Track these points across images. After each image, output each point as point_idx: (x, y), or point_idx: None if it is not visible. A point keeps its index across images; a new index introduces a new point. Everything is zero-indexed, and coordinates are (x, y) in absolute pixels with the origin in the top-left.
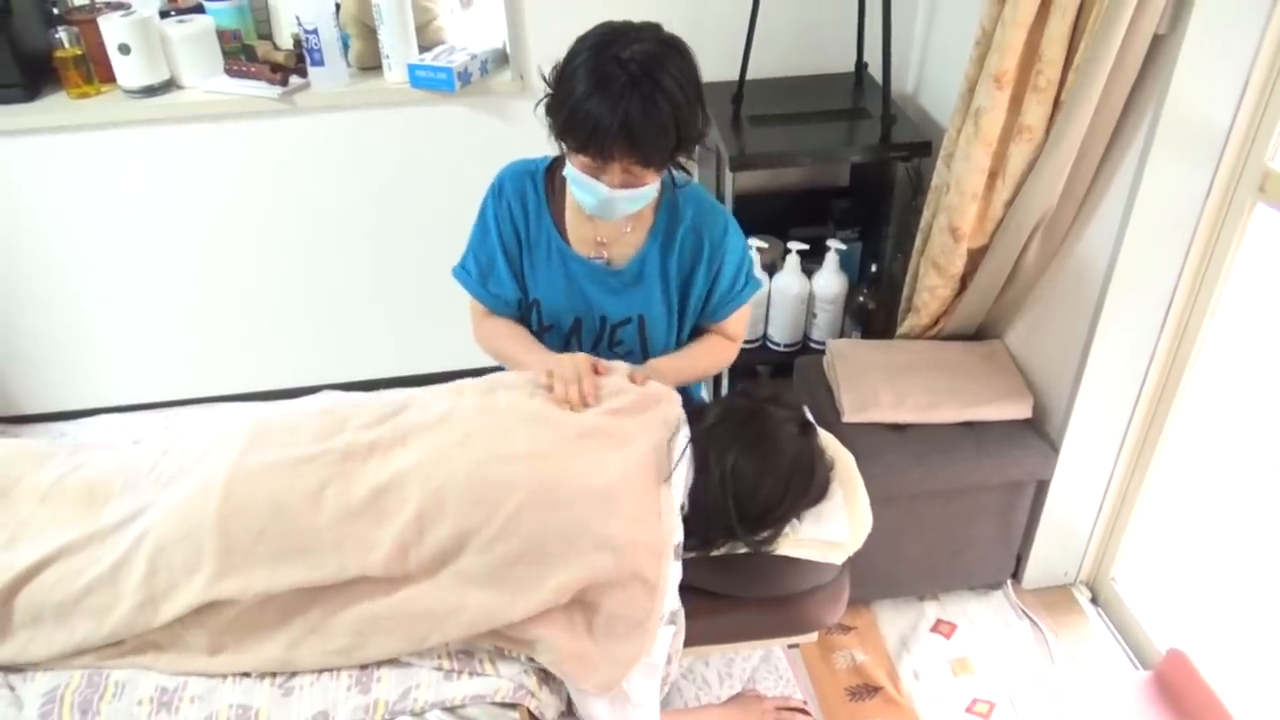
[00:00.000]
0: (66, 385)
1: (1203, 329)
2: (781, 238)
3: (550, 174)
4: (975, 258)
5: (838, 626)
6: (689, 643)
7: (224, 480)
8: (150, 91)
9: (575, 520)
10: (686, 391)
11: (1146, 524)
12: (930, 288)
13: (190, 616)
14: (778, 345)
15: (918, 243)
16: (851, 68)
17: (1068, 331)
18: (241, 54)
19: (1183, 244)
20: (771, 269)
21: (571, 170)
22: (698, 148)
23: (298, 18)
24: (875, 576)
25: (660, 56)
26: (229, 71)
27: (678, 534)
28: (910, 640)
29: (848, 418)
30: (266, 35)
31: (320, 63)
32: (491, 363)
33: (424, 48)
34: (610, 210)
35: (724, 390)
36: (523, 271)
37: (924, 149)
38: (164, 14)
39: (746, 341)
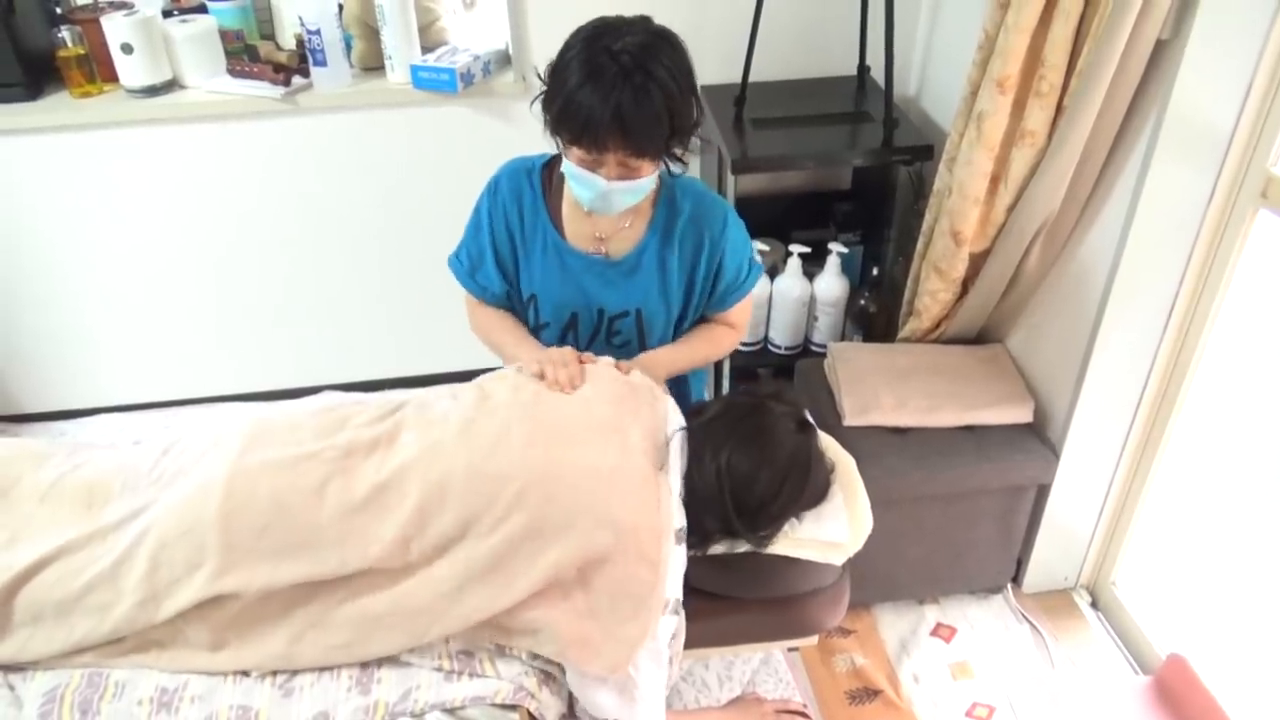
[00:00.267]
0: (67, 385)
1: (1204, 334)
2: (783, 240)
3: (548, 171)
4: (977, 262)
5: (838, 630)
6: (689, 645)
7: (226, 478)
8: (153, 91)
9: (576, 501)
10: (687, 391)
11: (1147, 529)
12: (932, 291)
13: (192, 612)
14: (779, 348)
15: (919, 246)
16: (854, 71)
17: (1069, 336)
18: (244, 54)
19: (1185, 249)
20: (773, 272)
21: (569, 165)
22: (694, 139)
23: (300, 18)
24: (875, 580)
25: (652, 47)
26: (231, 72)
27: (678, 519)
28: (910, 644)
29: (848, 421)
30: (269, 35)
31: (323, 63)
32: (491, 363)
33: (426, 48)
34: (608, 204)
35: (725, 391)
36: (516, 267)
37: (926, 153)
38: (167, 14)
39: (747, 344)
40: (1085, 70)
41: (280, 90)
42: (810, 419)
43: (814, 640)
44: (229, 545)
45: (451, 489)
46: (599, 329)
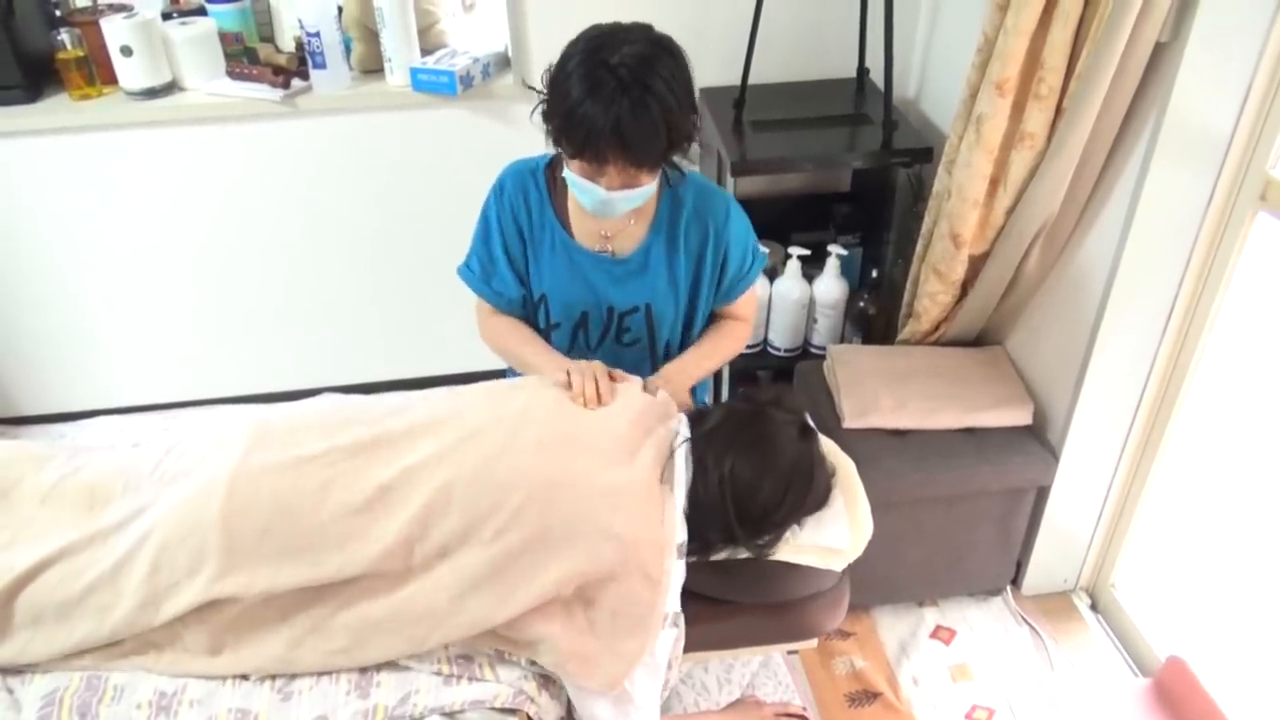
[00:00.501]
0: (66, 387)
1: (1203, 337)
2: (782, 243)
3: (551, 170)
4: (976, 264)
5: (837, 632)
6: (689, 648)
7: (227, 479)
8: (152, 93)
9: (580, 512)
10: (691, 393)
11: (1146, 531)
12: (931, 294)
13: (191, 615)
14: (778, 350)
15: (919, 249)
16: (853, 73)
17: (1068, 338)
18: (243, 56)
19: (1184, 252)
20: (772, 274)
21: (570, 174)
22: (693, 146)
23: (300, 20)
24: (875, 582)
25: (650, 58)
26: (231, 74)
27: (681, 533)
28: (910, 646)
29: (848, 423)
30: (268, 38)
31: (322, 65)
32: (492, 365)
33: (426, 51)
34: (609, 210)
35: (725, 395)
36: (527, 268)
37: (925, 155)
38: (166, 16)
39: (747, 346)
40: (1084, 73)
41: (279, 93)
42: (812, 425)
43: (813, 643)
44: (230, 547)
45: (458, 492)
46: (609, 327)
